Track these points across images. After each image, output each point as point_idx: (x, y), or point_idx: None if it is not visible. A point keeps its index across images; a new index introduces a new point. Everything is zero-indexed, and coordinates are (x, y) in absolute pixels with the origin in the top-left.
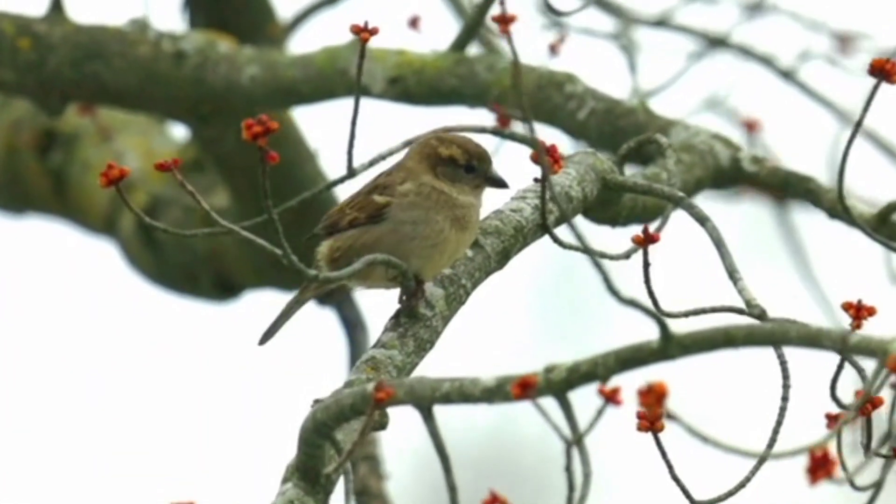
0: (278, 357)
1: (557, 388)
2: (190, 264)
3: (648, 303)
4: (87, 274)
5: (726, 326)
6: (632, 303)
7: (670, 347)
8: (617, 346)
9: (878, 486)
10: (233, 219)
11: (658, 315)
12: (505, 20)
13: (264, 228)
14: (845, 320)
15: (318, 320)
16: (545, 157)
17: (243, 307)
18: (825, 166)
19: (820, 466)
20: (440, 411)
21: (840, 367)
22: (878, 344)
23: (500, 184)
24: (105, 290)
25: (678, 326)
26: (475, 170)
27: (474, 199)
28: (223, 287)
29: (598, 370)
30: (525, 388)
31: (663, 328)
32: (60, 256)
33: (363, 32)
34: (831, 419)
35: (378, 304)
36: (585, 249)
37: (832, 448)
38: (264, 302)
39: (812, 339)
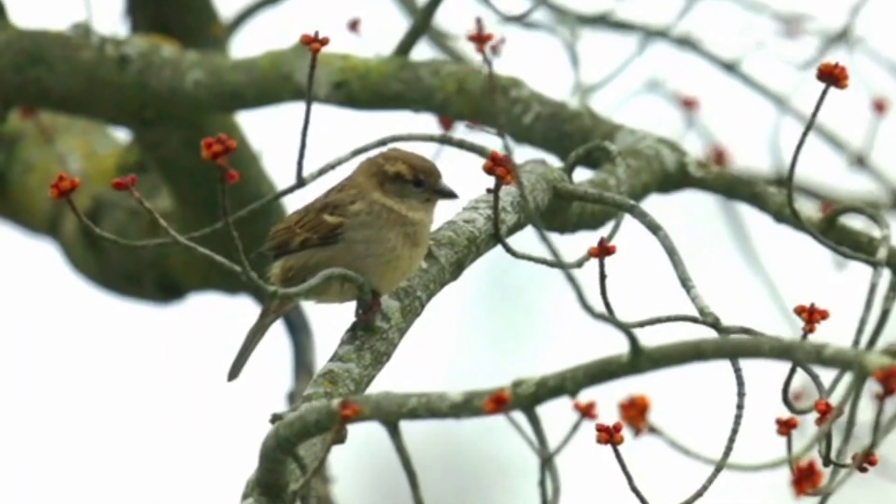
0: (222, 360)
1: (525, 402)
2: (133, 267)
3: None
4: (28, 275)
5: (696, 340)
6: (603, 317)
7: (640, 361)
8: (585, 359)
9: (825, 497)
10: (178, 222)
11: (628, 330)
12: (481, 39)
13: (213, 237)
14: (797, 321)
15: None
16: (499, 166)
17: (187, 310)
18: (766, 149)
19: (805, 478)
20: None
21: (792, 373)
22: (852, 356)
23: (449, 195)
24: (47, 291)
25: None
26: (423, 184)
27: (424, 215)
28: (167, 290)
29: (567, 384)
30: (498, 404)
31: (633, 342)
32: (1, 258)
33: (314, 42)
34: (782, 425)
35: (322, 308)
36: (539, 259)
37: (804, 459)
38: (208, 304)
39: (785, 351)
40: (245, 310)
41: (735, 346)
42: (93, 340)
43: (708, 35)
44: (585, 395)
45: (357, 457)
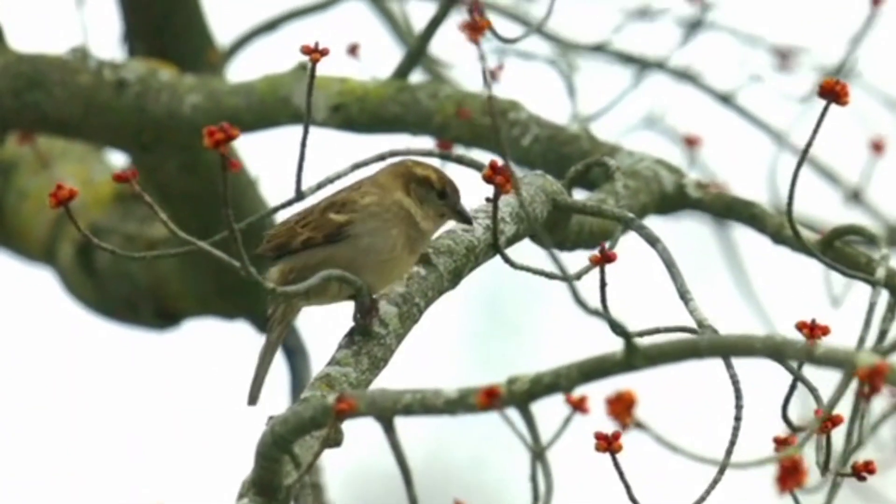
0: (217, 384)
1: (520, 399)
2: (130, 293)
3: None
4: (24, 302)
5: (691, 338)
6: (597, 313)
7: (635, 358)
8: (580, 357)
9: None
10: (174, 246)
11: (623, 328)
12: (475, 28)
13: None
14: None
15: (257, 348)
16: (498, 175)
17: (184, 336)
18: (763, 183)
19: (790, 475)
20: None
21: (792, 389)
22: (844, 355)
23: (465, 219)
24: (43, 318)
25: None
26: (447, 197)
27: (433, 227)
28: (164, 316)
29: (561, 381)
30: (491, 398)
31: (627, 339)
32: None
33: (314, 53)
34: (780, 443)
35: (319, 332)
36: (538, 270)
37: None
38: (205, 330)
39: (777, 349)
40: (242, 335)
41: (729, 344)
42: (90, 367)
43: (705, 67)
44: (579, 392)
45: (352, 462)
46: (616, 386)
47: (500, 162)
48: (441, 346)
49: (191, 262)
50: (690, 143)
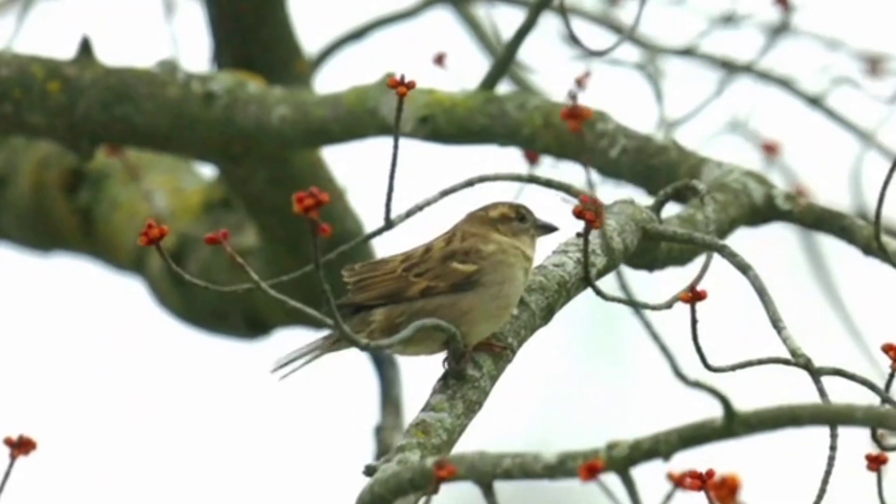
0: (309, 394)
1: (619, 465)
2: (219, 303)
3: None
4: (115, 312)
5: (791, 406)
6: (697, 384)
7: (734, 426)
8: (679, 422)
9: None
10: (263, 258)
11: (723, 395)
12: (575, 116)
13: (301, 277)
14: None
15: (348, 357)
16: (588, 210)
17: (273, 345)
18: (848, 187)
19: None
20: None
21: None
22: None
23: (550, 229)
24: (134, 328)
25: (727, 381)
26: (526, 219)
27: (534, 252)
28: (253, 325)
29: (661, 447)
30: (592, 472)
31: (727, 406)
32: (88, 294)
33: (400, 86)
34: (872, 461)
35: None
36: (629, 302)
37: None
38: (294, 340)
39: (879, 420)
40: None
41: (830, 414)
42: (180, 376)
43: (790, 72)
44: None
45: None
46: (716, 459)
47: (589, 195)
48: (536, 383)
49: (279, 271)
50: (769, 149)
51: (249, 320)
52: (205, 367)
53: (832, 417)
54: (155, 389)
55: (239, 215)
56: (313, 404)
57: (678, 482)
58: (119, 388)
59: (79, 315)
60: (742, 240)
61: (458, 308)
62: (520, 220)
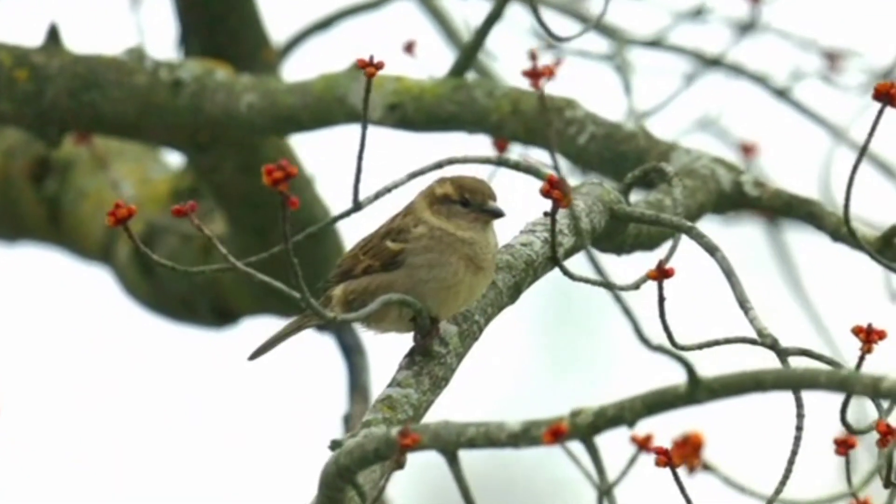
0: (276, 383)
1: (584, 432)
2: (187, 291)
3: (665, 340)
4: (82, 302)
5: (755, 371)
6: (661, 349)
7: (698, 392)
8: (643, 389)
9: None
10: (232, 247)
11: (686, 360)
12: (536, 74)
13: (269, 260)
14: (852, 344)
15: (315, 345)
16: (555, 189)
17: (241, 334)
18: (817, 182)
19: None
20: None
21: (849, 396)
22: None
23: (494, 214)
24: (101, 317)
25: (694, 360)
26: (469, 203)
27: (475, 234)
28: (221, 314)
29: (625, 414)
30: (556, 435)
31: (690, 372)
32: (55, 284)
33: (369, 67)
34: (840, 444)
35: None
36: (597, 282)
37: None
38: (262, 328)
39: (842, 383)
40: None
41: (794, 378)
42: (148, 365)
43: (759, 68)
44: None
45: (414, 483)
46: (681, 423)
47: (556, 175)
48: (503, 360)
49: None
50: (747, 150)
51: (217, 309)
52: (173, 356)
53: (796, 382)
54: (123, 379)
55: (207, 204)
56: (282, 393)
57: (642, 445)
58: (87, 378)
59: (46, 305)
60: (708, 231)
61: (396, 287)
62: (462, 204)
